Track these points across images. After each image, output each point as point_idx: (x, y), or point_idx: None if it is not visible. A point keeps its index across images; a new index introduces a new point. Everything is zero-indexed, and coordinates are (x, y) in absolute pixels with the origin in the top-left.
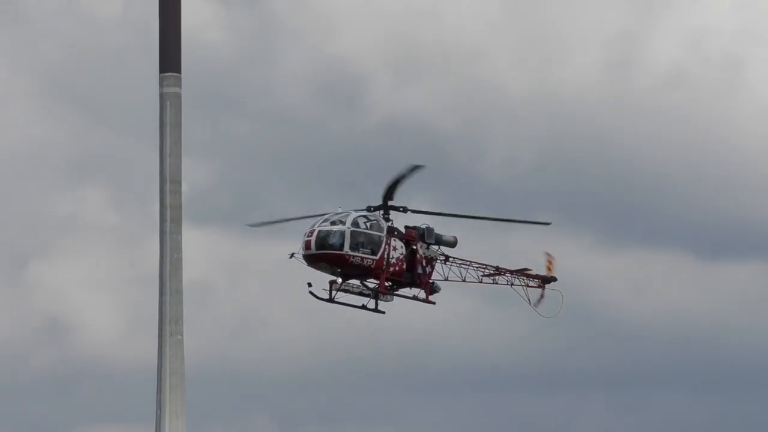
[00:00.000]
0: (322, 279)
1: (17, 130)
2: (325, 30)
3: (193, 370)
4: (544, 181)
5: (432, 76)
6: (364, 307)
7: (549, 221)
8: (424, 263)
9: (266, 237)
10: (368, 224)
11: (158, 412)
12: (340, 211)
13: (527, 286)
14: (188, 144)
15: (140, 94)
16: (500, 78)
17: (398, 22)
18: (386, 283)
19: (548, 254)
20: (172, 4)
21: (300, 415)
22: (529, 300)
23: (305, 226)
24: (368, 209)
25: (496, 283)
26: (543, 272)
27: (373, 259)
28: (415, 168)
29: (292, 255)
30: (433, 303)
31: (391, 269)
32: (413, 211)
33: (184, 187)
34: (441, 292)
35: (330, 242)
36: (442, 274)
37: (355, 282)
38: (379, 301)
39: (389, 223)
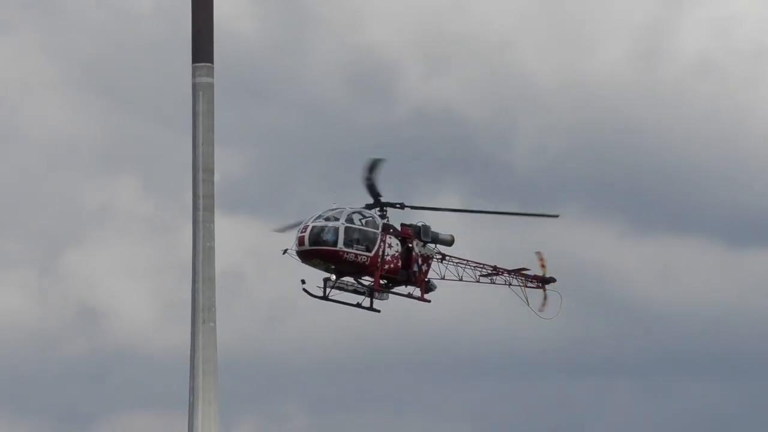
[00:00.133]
0: (317, 276)
1: (52, 120)
2: (355, 20)
3: (226, 357)
4: (572, 170)
5: (461, 66)
6: (359, 305)
7: (558, 213)
8: (419, 261)
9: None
10: (363, 221)
11: (191, 399)
12: (334, 207)
13: (525, 286)
14: (221, 133)
15: (173, 85)
16: (529, 68)
17: (428, 12)
18: (381, 281)
19: (539, 253)
20: None
21: (330, 402)
22: (527, 301)
23: None
24: (366, 207)
25: (494, 283)
26: (539, 273)
27: (368, 256)
28: (376, 162)
29: (285, 251)
30: (429, 301)
31: (386, 267)
32: (411, 207)
33: (217, 177)
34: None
35: (324, 238)
36: (438, 272)
37: (350, 280)
38: (374, 299)
39: (385, 221)
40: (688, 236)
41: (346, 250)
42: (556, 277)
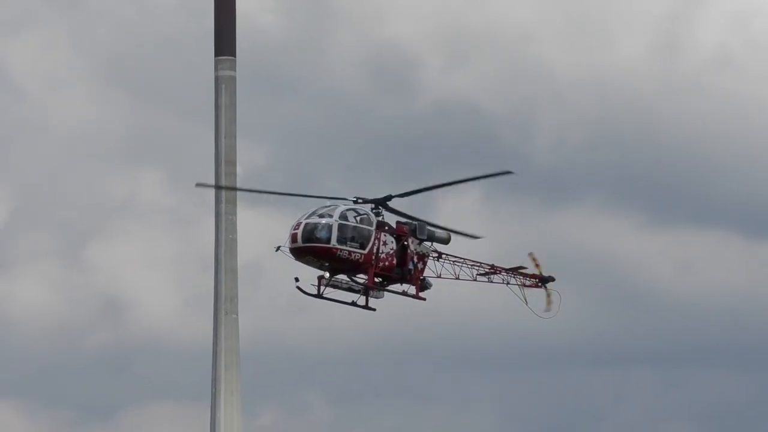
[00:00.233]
0: (312, 274)
1: (76, 113)
2: (376, 14)
3: (248, 348)
4: (591, 162)
5: (481, 60)
6: (354, 303)
7: (511, 171)
8: (415, 259)
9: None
10: (357, 218)
11: (213, 389)
12: (328, 204)
13: (523, 285)
14: (243, 126)
15: (196, 78)
16: (549, 61)
17: (448, 6)
18: (376, 279)
19: (531, 254)
20: None
21: (351, 392)
22: (525, 300)
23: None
24: (355, 201)
25: (491, 282)
26: (539, 271)
27: (362, 253)
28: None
29: (278, 248)
30: (424, 299)
31: (381, 264)
32: (397, 196)
33: (239, 169)
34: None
35: (317, 235)
36: (434, 271)
37: (345, 278)
38: (369, 298)
39: (380, 218)
40: (706, 228)
41: (339, 247)
42: (554, 276)
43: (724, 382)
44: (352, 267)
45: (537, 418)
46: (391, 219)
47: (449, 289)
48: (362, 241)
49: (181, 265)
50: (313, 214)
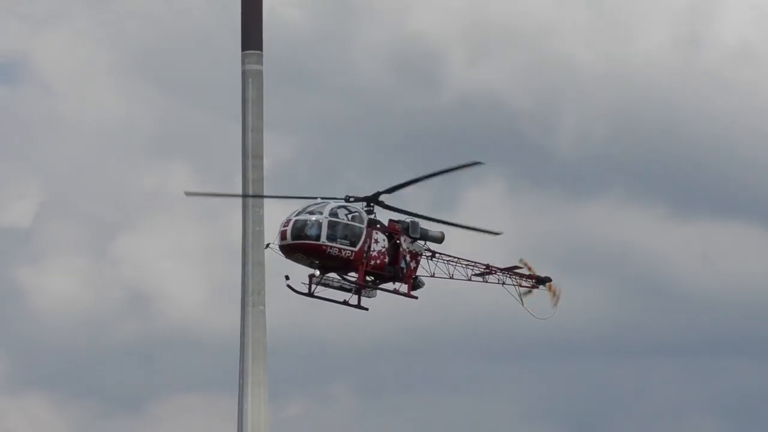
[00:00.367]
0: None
1: (104, 107)
2: (401, 8)
3: (275, 340)
4: (614, 155)
5: (505, 54)
6: (345, 303)
7: (481, 161)
8: (408, 258)
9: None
10: (348, 215)
11: (241, 381)
12: (318, 201)
13: (519, 285)
14: (270, 120)
15: (223, 72)
16: (572, 55)
17: (473, 0)
18: (368, 277)
19: (523, 260)
20: None
21: (378, 384)
22: (521, 300)
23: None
24: (346, 199)
25: (486, 282)
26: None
27: (352, 251)
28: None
29: (267, 245)
30: (416, 298)
31: (372, 262)
32: (384, 192)
33: (266, 162)
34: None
35: (306, 232)
36: (428, 270)
37: (336, 276)
38: (361, 297)
39: (371, 216)
40: (727, 220)
41: (329, 244)
42: (551, 276)
43: (746, 373)
44: (342, 265)
45: (560, 409)
46: (385, 216)
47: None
48: (353, 238)
49: (209, 257)
50: (303, 211)
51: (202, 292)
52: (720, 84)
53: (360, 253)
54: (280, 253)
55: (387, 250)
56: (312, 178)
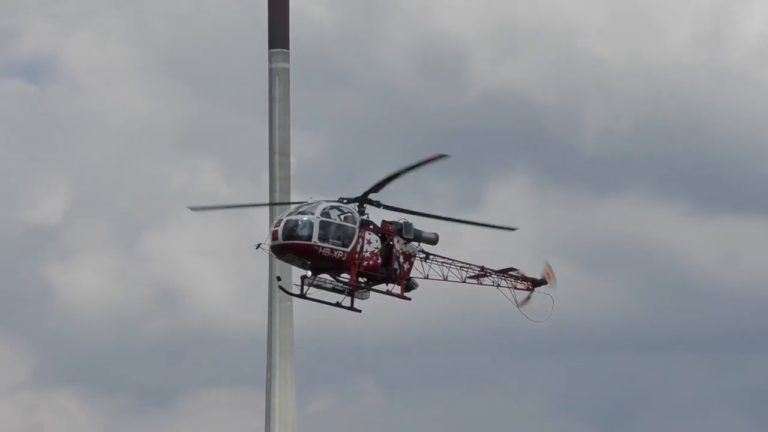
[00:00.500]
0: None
1: (133, 105)
2: (426, 6)
3: (302, 335)
4: (638, 151)
5: (530, 51)
6: (338, 304)
7: (445, 155)
8: (401, 259)
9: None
10: (340, 215)
11: (268, 376)
12: (310, 201)
13: (515, 288)
14: (296, 117)
15: (250, 70)
16: (596, 52)
17: None
18: (361, 279)
19: (547, 264)
20: None
21: (404, 379)
22: (516, 303)
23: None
24: (340, 200)
25: (481, 284)
26: (535, 275)
27: (344, 251)
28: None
29: (258, 246)
30: (409, 299)
31: (365, 263)
32: (386, 207)
33: (293, 159)
34: None
35: (298, 233)
36: (422, 272)
37: (329, 277)
38: (354, 299)
39: (364, 216)
40: (750, 216)
41: (321, 244)
42: (548, 281)
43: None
44: (334, 265)
45: (581, 405)
46: (380, 217)
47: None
48: (345, 239)
49: (237, 254)
50: (295, 211)
51: (230, 289)
52: (743, 81)
53: (352, 254)
54: (272, 253)
55: (380, 251)
56: (337, 175)
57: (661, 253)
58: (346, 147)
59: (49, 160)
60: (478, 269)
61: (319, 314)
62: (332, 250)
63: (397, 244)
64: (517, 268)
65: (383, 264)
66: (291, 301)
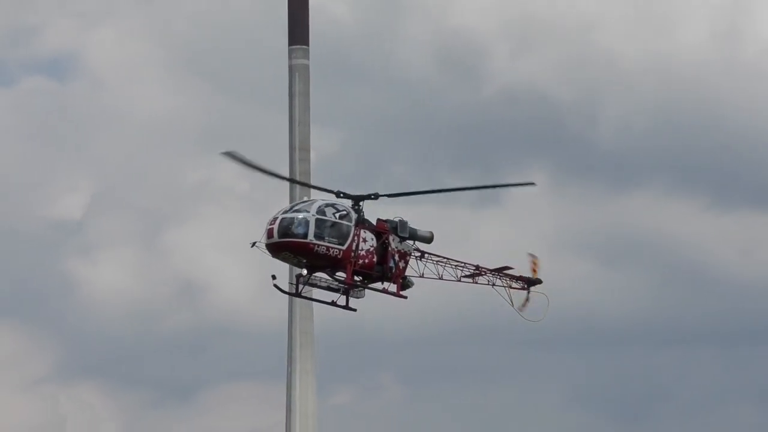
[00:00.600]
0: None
1: (154, 101)
2: (445, 3)
3: (322, 329)
4: (656, 146)
5: (548, 47)
6: (333, 303)
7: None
8: (396, 257)
9: (391, 204)
10: (336, 214)
11: (289, 369)
12: (306, 199)
13: (510, 287)
14: (316, 113)
15: (270, 66)
16: (613, 48)
17: None
18: (357, 277)
19: (532, 255)
20: None
21: (425, 372)
22: (511, 302)
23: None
24: (337, 195)
25: (476, 283)
26: (528, 274)
27: (340, 249)
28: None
29: (253, 244)
30: (405, 297)
31: (361, 261)
32: (387, 196)
33: (313, 155)
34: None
35: (293, 230)
36: (417, 270)
37: (325, 277)
38: (349, 297)
39: (360, 214)
40: (767, 211)
41: (316, 242)
42: (542, 279)
43: None
44: (330, 264)
45: (602, 397)
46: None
47: (521, 269)
48: (340, 236)
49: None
50: (290, 209)
51: (251, 283)
52: (760, 76)
53: (348, 252)
54: (267, 251)
55: (375, 249)
56: (357, 170)
57: (679, 247)
58: (365, 142)
59: (70, 157)
60: (474, 268)
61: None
62: (328, 248)
63: (393, 242)
64: (512, 266)
65: (379, 262)
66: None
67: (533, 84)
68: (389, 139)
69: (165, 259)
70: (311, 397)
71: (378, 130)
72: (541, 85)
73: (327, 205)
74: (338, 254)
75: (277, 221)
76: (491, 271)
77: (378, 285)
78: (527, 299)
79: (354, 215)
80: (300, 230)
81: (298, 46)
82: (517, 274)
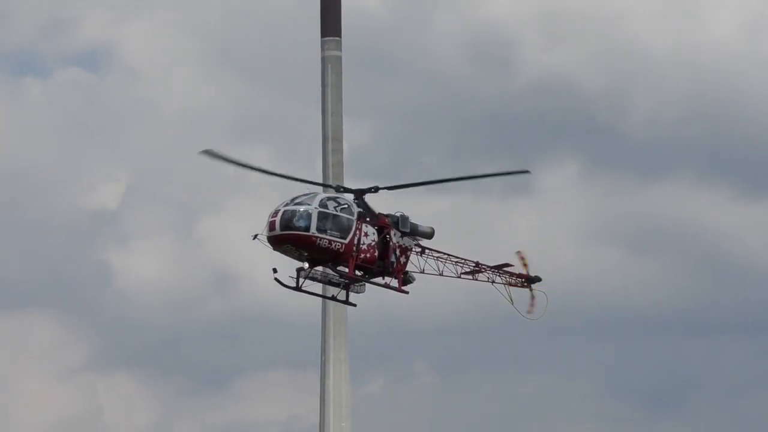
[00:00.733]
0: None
1: (188, 92)
2: None
3: (355, 318)
4: (685, 137)
5: (578, 39)
6: (334, 297)
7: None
8: (397, 252)
9: (423, 194)
10: (337, 207)
11: (323, 357)
12: (308, 192)
13: (509, 284)
14: (348, 105)
15: (303, 58)
16: (643, 40)
17: None
18: (358, 272)
19: (520, 252)
20: None
21: (457, 360)
22: (510, 299)
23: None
24: (337, 189)
25: (476, 280)
26: (526, 271)
27: (342, 243)
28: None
29: (255, 236)
30: (407, 292)
31: (362, 256)
32: (387, 189)
33: (345, 146)
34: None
35: (295, 223)
36: (418, 266)
37: (326, 271)
38: (350, 292)
39: (361, 209)
40: None
41: (318, 235)
42: (540, 276)
43: None
44: (332, 257)
45: (632, 385)
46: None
47: (551, 258)
48: (342, 230)
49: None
50: (291, 201)
51: (286, 272)
52: None
53: (350, 246)
54: (268, 244)
55: (377, 243)
56: (389, 161)
57: (708, 236)
58: (397, 133)
59: (106, 148)
60: (474, 265)
61: (372, 297)
62: (330, 241)
63: (394, 237)
64: (512, 264)
65: (380, 257)
66: None
67: (563, 75)
68: (420, 130)
69: (200, 249)
70: (344, 386)
71: (409, 121)
72: (572, 76)
73: (329, 199)
74: (340, 248)
75: (279, 214)
76: (491, 268)
77: (379, 280)
78: (532, 298)
79: (356, 209)
80: (302, 223)
81: (331, 38)
82: (516, 272)
